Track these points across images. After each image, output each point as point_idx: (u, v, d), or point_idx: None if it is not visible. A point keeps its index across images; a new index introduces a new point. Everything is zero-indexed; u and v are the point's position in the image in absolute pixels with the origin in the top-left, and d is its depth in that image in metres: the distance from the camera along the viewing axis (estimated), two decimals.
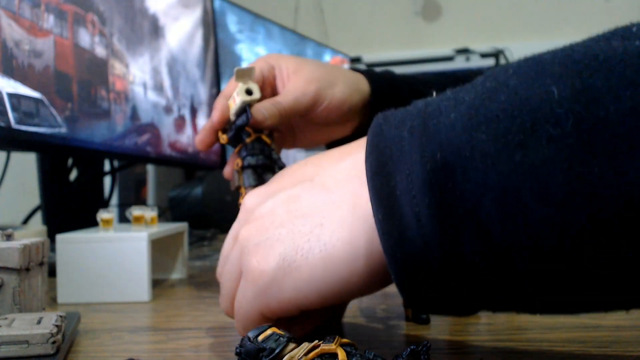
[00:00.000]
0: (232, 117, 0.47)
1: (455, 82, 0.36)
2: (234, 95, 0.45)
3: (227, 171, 0.49)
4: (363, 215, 0.27)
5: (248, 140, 0.46)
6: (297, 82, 0.50)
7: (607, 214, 0.20)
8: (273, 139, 0.48)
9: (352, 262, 0.28)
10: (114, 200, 1.11)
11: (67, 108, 0.69)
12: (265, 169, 0.45)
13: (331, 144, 0.58)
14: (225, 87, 0.52)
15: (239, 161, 0.46)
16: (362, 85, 0.56)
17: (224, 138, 0.48)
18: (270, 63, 0.52)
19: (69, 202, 0.83)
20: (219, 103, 0.49)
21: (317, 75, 0.51)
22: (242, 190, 0.45)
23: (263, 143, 0.46)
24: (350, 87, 0.54)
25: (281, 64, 0.52)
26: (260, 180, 0.45)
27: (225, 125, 0.48)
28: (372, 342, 0.36)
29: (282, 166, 0.46)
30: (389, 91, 0.57)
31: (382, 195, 0.25)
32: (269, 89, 0.52)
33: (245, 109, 0.45)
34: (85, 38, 0.74)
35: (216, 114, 0.48)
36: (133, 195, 1.34)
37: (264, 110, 0.45)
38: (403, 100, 0.56)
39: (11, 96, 0.59)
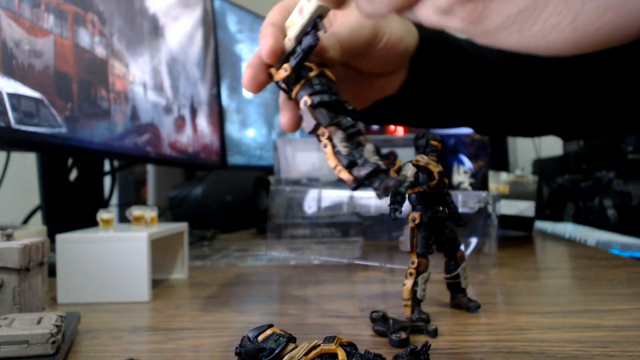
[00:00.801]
0: (291, 43, 0.38)
1: None
2: (300, 5, 0.37)
3: (288, 120, 0.40)
4: None
5: (311, 74, 0.38)
6: (350, 13, 0.42)
7: None
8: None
9: None
10: (114, 200, 1.11)
11: (67, 108, 0.69)
12: (337, 108, 0.37)
13: (372, 108, 0.51)
14: (267, 16, 0.41)
15: (306, 99, 0.37)
16: (412, 28, 0.49)
17: (281, 72, 0.38)
18: None
19: (69, 202, 0.83)
20: (270, 29, 0.38)
21: None
22: (322, 129, 0.36)
23: (328, 79, 0.38)
24: (404, 25, 0.47)
25: None
26: (335, 117, 0.36)
27: (278, 59, 0.39)
28: (372, 342, 0.36)
29: (354, 109, 0.38)
30: (436, 44, 0.51)
31: None
32: None
33: (315, 24, 0.36)
34: (85, 38, 0.74)
35: (269, 42, 0.38)
36: (133, 195, 1.34)
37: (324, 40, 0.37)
38: (449, 57, 0.54)
39: (11, 96, 0.59)
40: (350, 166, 0.34)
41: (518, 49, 0.24)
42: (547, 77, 0.59)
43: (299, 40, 0.37)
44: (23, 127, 0.61)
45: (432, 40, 0.51)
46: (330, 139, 0.35)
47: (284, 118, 0.40)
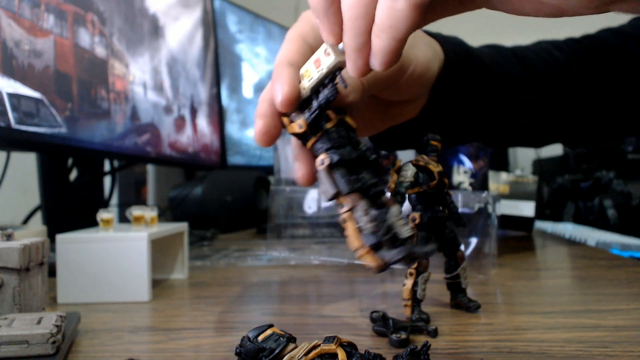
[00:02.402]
0: (307, 92, 0.33)
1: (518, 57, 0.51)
2: (316, 57, 0.33)
3: (304, 174, 0.36)
4: None
5: (329, 125, 0.33)
6: None
7: None
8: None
9: None
10: (114, 200, 1.11)
11: (67, 108, 0.69)
12: (359, 164, 0.33)
13: (387, 132, 0.48)
14: (283, 50, 0.36)
15: (324, 157, 0.32)
16: (438, 49, 0.46)
17: (295, 127, 0.34)
18: None
19: (69, 202, 0.83)
20: (287, 73, 0.34)
21: None
22: (342, 198, 0.32)
23: (348, 128, 0.34)
24: (430, 49, 0.44)
25: None
26: (356, 181, 0.32)
27: (293, 108, 0.34)
28: (372, 342, 0.36)
29: (375, 159, 0.34)
30: (460, 65, 0.48)
31: None
32: None
33: (334, 75, 0.32)
34: (85, 38, 0.74)
35: (285, 90, 0.33)
36: (133, 195, 1.34)
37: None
38: (472, 78, 0.53)
39: (11, 96, 0.59)
40: (376, 248, 0.30)
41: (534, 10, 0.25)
42: (562, 87, 0.59)
43: (315, 90, 0.33)
44: (23, 127, 0.61)
45: (457, 61, 0.48)
46: (351, 210, 0.31)
47: (299, 172, 0.36)
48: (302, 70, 0.34)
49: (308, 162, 0.35)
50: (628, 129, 0.68)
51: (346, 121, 0.34)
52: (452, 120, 0.54)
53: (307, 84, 0.33)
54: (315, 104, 0.33)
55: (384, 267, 0.30)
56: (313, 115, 0.33)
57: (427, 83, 0.45)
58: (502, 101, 0.56)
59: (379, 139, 0.52)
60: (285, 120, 0.35)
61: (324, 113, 0.33)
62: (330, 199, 0.32)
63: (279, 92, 0.33)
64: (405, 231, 0.30)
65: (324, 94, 0.32)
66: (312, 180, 0.36)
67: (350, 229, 0.31)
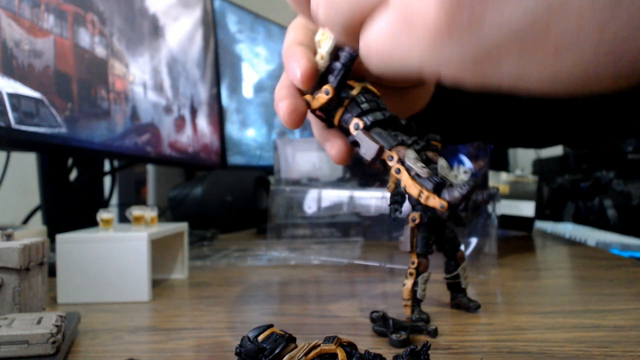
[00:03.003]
0: (324, 61, 0.33)
1: None
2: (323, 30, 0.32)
3: (338, 151, 0.35)
4: None
5: (354, 92, 0.33)
6: None
7: None
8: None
9: None
10: (114, 200, 1.11)
11: (67, 108, 0.69)
12: (393, 125, 0.33)
13: None
14: (289, 36, 0.36)
15: (357, 121, 0.32)
16: None
17: (321, 97, 0.33)
18: None
19: (69, 202, 0.83)
20: (300, 50, 0.33)
21: None
22: (388, 153, 0.31)
23: (372, 94, 0.34)
24: None
25: None
26: (396, 136, 0.32)
27: (313, 84, 0.33)
28: (372, 342, 0.36)
29: (407, 123, 0.33)
30: None
31: None
32: None
33: None
34: (85, 38, 0.74)
35: (302, 64, 0.32)
36: (133, 195, 1.34)
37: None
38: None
39: (11, 96, 0.59)
40: (437, 190, 0.29)
41: (510, 85, 0.18)
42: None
43: (334, 55, 0.32)
44: (23, 127, 0.61)
45: None
46: (401, 161, 0.30)
47: (333, 149, 0.34)
48: (317, 36, 0.33)
49: (340, 139, 0.34)
50: (629, 130, 0.68)
51: (369, 88, 0.33)
52: (463, 114, 0.54)
53: (325, 48, 0.32)
54: (337, 65, 0.32)
55: (452, 208, 0.29)
56: (339, 77, 0.32)
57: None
58: (505, 96, 0.56)
59: None
60: (308, 97, 0.34)
61: (349, 72, 0.32)
62: (376, 156, 0.32)
63: (296, 69, 0.32)
64: (463, 177, 0.30)
65: (345, 53, 0.32)
66: (349, 156, 0.35)
67: (405, 178, 0.30)
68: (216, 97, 1.29)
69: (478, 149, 0.87)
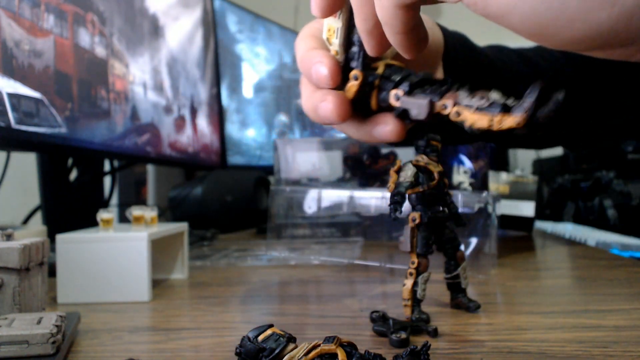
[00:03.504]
0: (341, 55, 0.34)
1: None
2: (328, 27, 0.33)
3: (392, 126, 0.34)
4: None
5: (380, 70, 0.33)
6: None
7: None
8: None
9: None
10: (114, 200, 1.11)
11: (67, 108, 0.69)
12: (429, 82, 0.32)
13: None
14: (301, 46, 0.36)
15: (396, 92, 0.32)
16: (438, 34, 0.47)
17: (352, 85, 0.33)
18: None
19: (69, 202, 0.83)
20: (318, 52, 0.34)
21: None
22: (440, 102, 0.30)
23: (397, 67, 0.34)
24: (429, 29, 0.46)
25: None
26: (438, 87, 0.31)
27: (340, 77, 0.34)
28: (372, 342, 0.36)
29: (445, 79, 0.33)
30: (461, 43, 0.49)
31: None
32: None
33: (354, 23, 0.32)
34: (85, 38, 0.74)
35: (326, 61, 0.33)
36: (133, 195, 1.34)
37: None
38: (477, 58, 0.53)
39: (11, 96, 0.59)
40: (506, 109, 0.28)
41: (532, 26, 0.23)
42: (563, 85, 0.59)
43: (348, 42, 0.33)
44: (23, 127, 0.61)
45: (456, 39, 0.49)
46: (457, 104, 0.30)
47: (387, 128, 0.34)
48: (324, 34, 0.34)
49: (388, 117, 0.34)
50: (629, 131, 0.68)
51: (392, 63, 0.34)
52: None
53: (336, 42, 0.33)
54: (355, 49, 0.33)
55: (530, 117, 0.27)
56: (360, 59, 0.33)
57: (436, 52, 0.46)
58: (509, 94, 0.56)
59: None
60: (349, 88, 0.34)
61: (367, 55, 0.33)
62: (429, 111, 0.31)
63: (321, 68, 0.33)
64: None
65: (357, 36, 0.32)
66: (404, 130, 0.34)
67: (468, 115, 0.29)
68: (216, 97, 1.29)
69: (478, 149, 0.87)
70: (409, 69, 0.34)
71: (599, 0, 0.20)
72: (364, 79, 0.33)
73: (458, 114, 0.29)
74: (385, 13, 0.28)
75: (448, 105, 0.30)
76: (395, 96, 0.32)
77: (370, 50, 0.32)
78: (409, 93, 0.32)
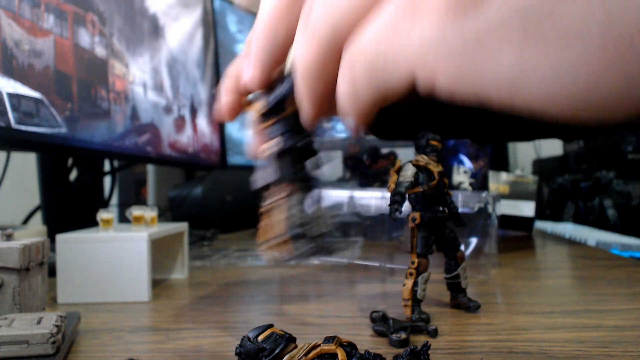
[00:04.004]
0: (288, 70, 0.32)
1: None
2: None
3: (255, 144, 0.35)
4: None
5: (289, 111, 0.32)
6: None
7: None
8: None
9: None
10: (114, 200, 1.11)
11: (67, 108, 0.69)
12: (305, 154, 0.33)
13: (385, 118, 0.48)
14: (264, 13, 0.33)
15: (277, 141, 0.33)
16: None
17: (255, 108, 0.33)
18: None
19: (69, 202, 0.83)
20: (259, 54, 0.31)
21: None
22: (282, 186, 0.32)
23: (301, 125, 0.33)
24: None
25: None
26: (302, 170, 0.32)
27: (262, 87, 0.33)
28: (372, 342, 0.36)
29: (317, 150, 0.33)
30: None
31: None
32: None
33: None
34: (85, 38, 0.74)
35: (253, 73, 0.31)
36: (133, 195, 1.34)
37: None
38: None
39: (11, 96, 0.59)
40: (295, 239, 0.30)
41: (508, 90, 0.17)
42: None
43: (283, 77, 0.32)
44: (23, 127, 0.61)
45: None
46: (287, 198, 0.31)
47: (253, 144, 0.35)
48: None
49: (261, 139, 0.34)
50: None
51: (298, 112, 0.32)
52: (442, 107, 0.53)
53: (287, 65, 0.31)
54: (279, 89, 0.32)
55: (287, 260, 0.30)
56: (274, 102, 0.32)
57: None
58: None
59: (378, 126, 0.51)
60: (244, 99, 0.34)
61: (285, 100, 0.32)
62: (270, 184, 0.33)
63: (245, 71, 0.31)
64: (325, 227, 0.31)
65: (289, 83, 0.31)
66: (259, 153, 0.35)
67: (277, 216, 0.31)
68: (216, 97, 1.29)
69: (478, 149, 0.87)
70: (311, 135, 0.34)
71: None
72: (266, 112, 0.33)
73: (279, 206, 0.32)
74: (358, 107, 0.24)
75: (282, 194, 0.32)
76: (274, 143, 0.32)
77: (306, 119, 0.30)
78: (281, 152, 0.32)
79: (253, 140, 0.35)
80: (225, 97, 0.35)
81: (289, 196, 0.32)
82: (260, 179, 0.33)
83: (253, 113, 0.34)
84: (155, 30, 0.98)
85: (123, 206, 1.16)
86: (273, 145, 0.33)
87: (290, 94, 0.31)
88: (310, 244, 0.30)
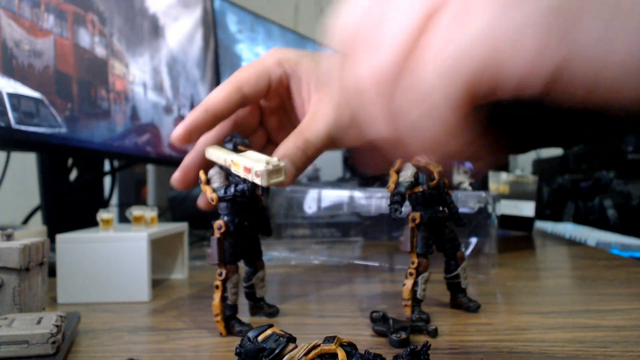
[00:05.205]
0: (231, 167, 0.38)
1: None
2: (253, 158, 0.36)
3: (180, 177, 0.43)
4: None
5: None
6: (325, 108, 0.38)
7: None
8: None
9: None
10: (114, 200, 1.11)
11: (67, 108, 0.69)
12: (244, 233, 0.40)
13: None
14: (214, 92, 0.44)
15: (221, 223, 0.39)
16: None
17: (208, 193, 0.40)
18: (284, 69, 0.41)
19: (69, 202, 0.83)
20: (194, 117, 0.42)
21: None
22: (221, 267, 0.38)
23: (256, 198, 0.40)
24: None
25: (300, 75, 0.41)
26: (238, 253, 0.39)
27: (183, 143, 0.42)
28: (372, 342, 0.36)
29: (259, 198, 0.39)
30: None
31: None
32: (276, 98, 0.43)
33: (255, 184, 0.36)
34: (85, 38, 0.74)
35: (179, 131, 0.40)
36: (133, 195, 1.34)
37: (289, 158, 0.36)
38: None
39: (11, 96, 0.59)
40: (229, 320, 0.38)
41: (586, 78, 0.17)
42: None
43: (237, 176, 0.37)
44: (23, 127, 0.61)
45: None
46: (225, 279, 0.38)
47: (177, 173, 0.43)
48: (234, 158, 0.37)
49: (197, 169, 0.42)
50: (626, 126, 0.68)
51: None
52: None
53: (241, 162, 0.36)
54: (231, 189, 0.38)
55: (224, 335, 0.37)
56: (226, 198, 0.38)
57: None
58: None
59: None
60: (203, 177, 0.40)
61: (236, 200, 0.38)
62: (212, 264, 0.38)
63: (175, 132, 0.40)
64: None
65: (242, 187, 0.37)
66: (188, 181, 0.44)
67: (217, 297, 0.38)
68: None
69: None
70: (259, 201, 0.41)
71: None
72: (218, 203, 0.40)
73: (217, 287, 0.38)
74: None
75: (222, 275, 0.38)
76: (218, 226, 0.39)
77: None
78: (224, 235, 0.39)
79: (185, 168, 0.43)
80: (179, 171, 0.43)
81: (228, 279, 0.38)
82: (207, 256, 0.39)
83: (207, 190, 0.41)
84: (155, 30, 0.98)
85: (123, 206, 1.16)
86: (219, 226, 0.39)
87: (241, 197, 0.38)
88: (241, 327, 0.37)
